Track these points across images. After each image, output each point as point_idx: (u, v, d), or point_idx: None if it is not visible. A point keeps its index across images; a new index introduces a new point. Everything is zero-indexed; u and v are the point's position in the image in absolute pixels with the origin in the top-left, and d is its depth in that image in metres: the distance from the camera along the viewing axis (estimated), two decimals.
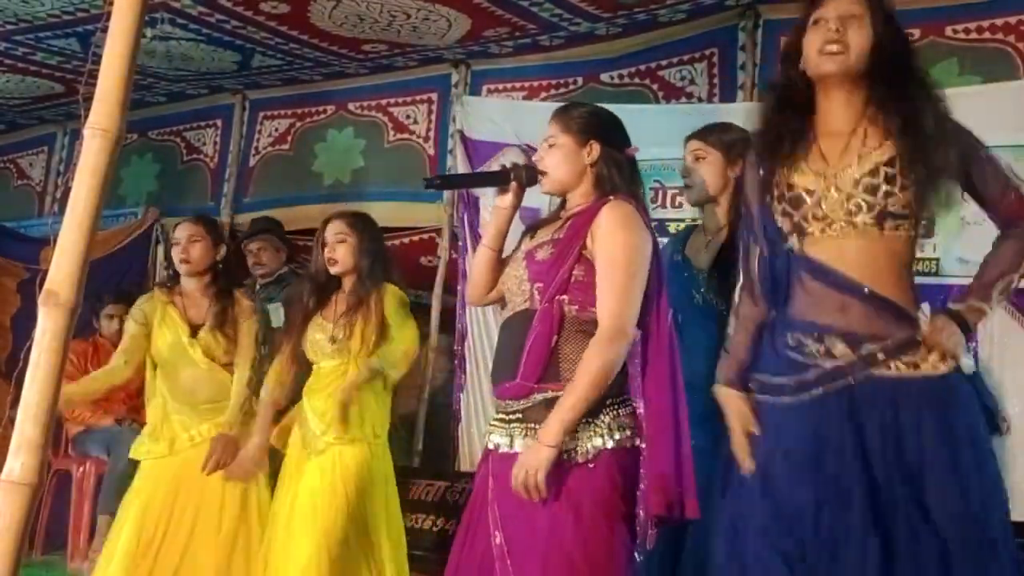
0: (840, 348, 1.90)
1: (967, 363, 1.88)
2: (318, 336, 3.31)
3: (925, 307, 1.92)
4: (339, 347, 3.27)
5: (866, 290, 1.89)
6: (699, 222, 3.02)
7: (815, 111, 2.02)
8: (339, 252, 3.30)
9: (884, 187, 1.90)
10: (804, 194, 1.97)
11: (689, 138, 2.90)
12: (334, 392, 3.21)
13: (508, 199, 2.36)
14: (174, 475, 3.42)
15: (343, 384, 3.21)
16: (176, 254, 3.56)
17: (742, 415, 2.06)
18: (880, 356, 1.87)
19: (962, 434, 1.83)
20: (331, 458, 3.18)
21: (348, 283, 3.35)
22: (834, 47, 1.92)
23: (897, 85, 1.94)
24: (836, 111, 1.99)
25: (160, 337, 3.52)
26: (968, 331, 1.89)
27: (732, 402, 2.09)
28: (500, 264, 2.39)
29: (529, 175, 2.34)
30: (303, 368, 3.37)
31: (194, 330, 3.52)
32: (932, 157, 1.89)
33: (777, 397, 1.97)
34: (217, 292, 3.58)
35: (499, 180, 2.38)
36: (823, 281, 1.93)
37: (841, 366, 1.89)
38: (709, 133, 2.86)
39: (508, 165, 2.39)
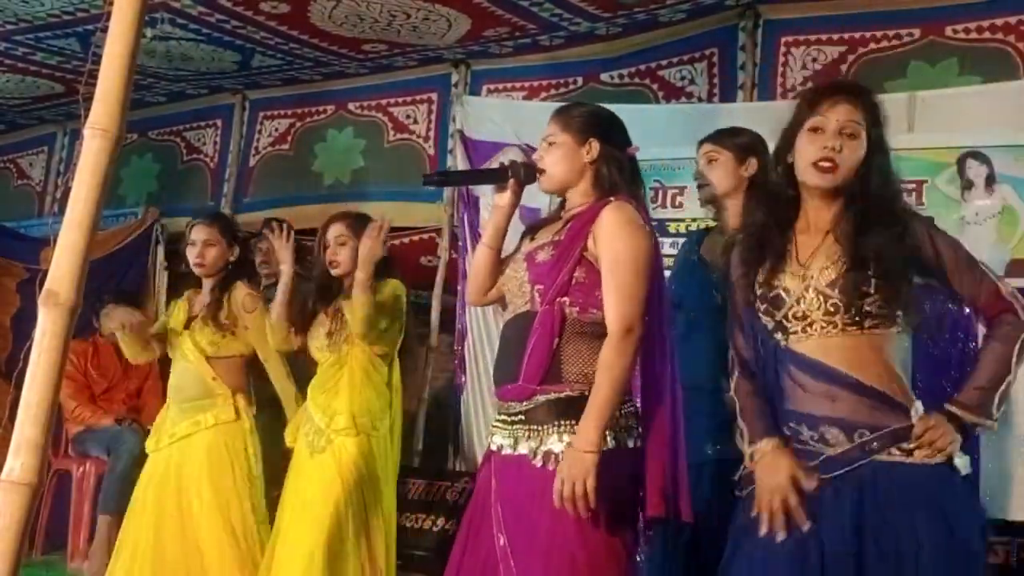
0: (835, 435, 1.90)
1: (961, 463, 1.88)
2: (319, 331, 3.38)
3: (919, 405, 1.89)
4: (334, 342, 3.33)
5: (854, 381, 1.89)
6: (701, 223, 3.04)
7: (800, 206, 2.03)
8: (340, 255, 3.34)
9: (859, 288, 1.90)
10: (783, 294, 1.98)
11: (702, 142, 2.96)
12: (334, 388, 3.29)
13: (507, 197, 2.34)
14: (156, 471, 3.53)
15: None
16: (191, 256, 3.58)
17: (790, 467, 1.90)
18: (875, 445, 1.88)
19: (955, 523, 1.83)
20: (331, 454, 3.24)
21: (349, 284, 3.36)
22: (827, 164, 1.93)
23: (877, 192, 1.95)
24: (815, 212, 2.01)
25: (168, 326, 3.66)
26: (966, 433, 1.88)
27: (775, 456, 1.93)
28: (499, 263, 2.38)
29: (528, 172, 2.32)
30: (311, 368, 3.43)
31: (190, 321, 3.59)
32: (903, 268, 1.91)
33: None
34: (221, 287, 3.62)
35: (497, 177, 2.36)
36: (810, 374, 1.93)
37: (837, 456, 1.89)
38: (721, 136, 2.92)
39: (507, 163, 2.38)
